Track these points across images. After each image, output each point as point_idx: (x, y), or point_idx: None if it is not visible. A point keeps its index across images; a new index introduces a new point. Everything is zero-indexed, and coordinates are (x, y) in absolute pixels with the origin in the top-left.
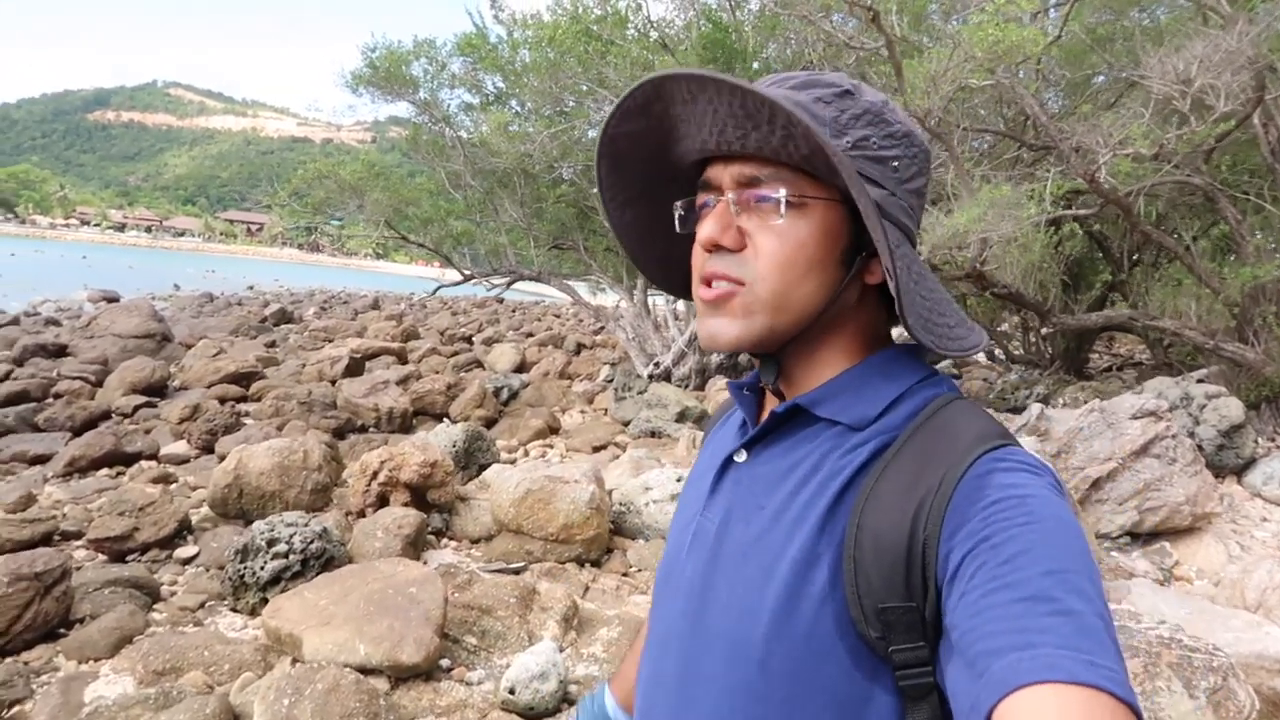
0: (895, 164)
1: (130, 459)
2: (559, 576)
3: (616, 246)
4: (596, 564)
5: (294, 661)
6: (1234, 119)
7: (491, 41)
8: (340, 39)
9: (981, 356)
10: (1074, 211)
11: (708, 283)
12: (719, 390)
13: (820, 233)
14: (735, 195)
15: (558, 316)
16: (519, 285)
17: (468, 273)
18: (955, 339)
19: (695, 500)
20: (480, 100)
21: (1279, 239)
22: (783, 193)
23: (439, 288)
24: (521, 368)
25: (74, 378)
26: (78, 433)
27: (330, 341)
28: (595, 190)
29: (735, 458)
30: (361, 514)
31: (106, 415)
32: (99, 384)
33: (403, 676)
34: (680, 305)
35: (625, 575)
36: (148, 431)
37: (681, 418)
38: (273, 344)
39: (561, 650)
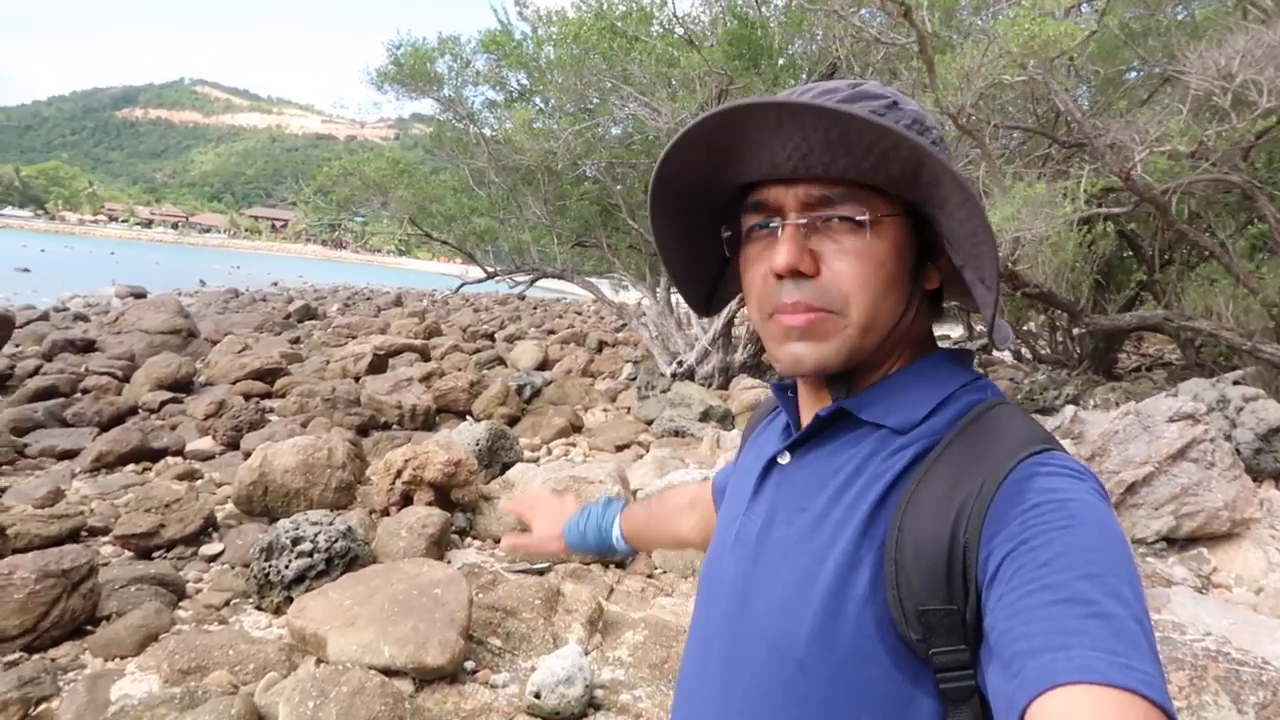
0: None
1: (156, 455)
2: (583, 578)
3: (640, 245)
4: (621, 565)
5: (318, 662)
6: (1275, 115)
7: (516, 38)
8: (365, 37)
9: (1007, 356)
10: (1107, 210)
11: (781, 310)
12: (743, 389)
13: (896, 249)
14: (804, 218)
15: (579, 314)
16: (541, 282)
17: (491, 270)
18: (1001, 328)
19: (738, 501)
20: (504, 97)
21: None
22: (866, 214)
23: (462, 285)
24: (544, 365)
25: (101, 373)
26: (105, 428)
27: (353, 338)
28: (618, 188)
29: (779, 459)
30: (385, 513)
31: (133, 411)
32: (126, 379)
33: (427, 679)
34: None
35: (650, 577)
36: (174, 427)
37: (705, 417)
38: (297, 340)
39: (587, 654)
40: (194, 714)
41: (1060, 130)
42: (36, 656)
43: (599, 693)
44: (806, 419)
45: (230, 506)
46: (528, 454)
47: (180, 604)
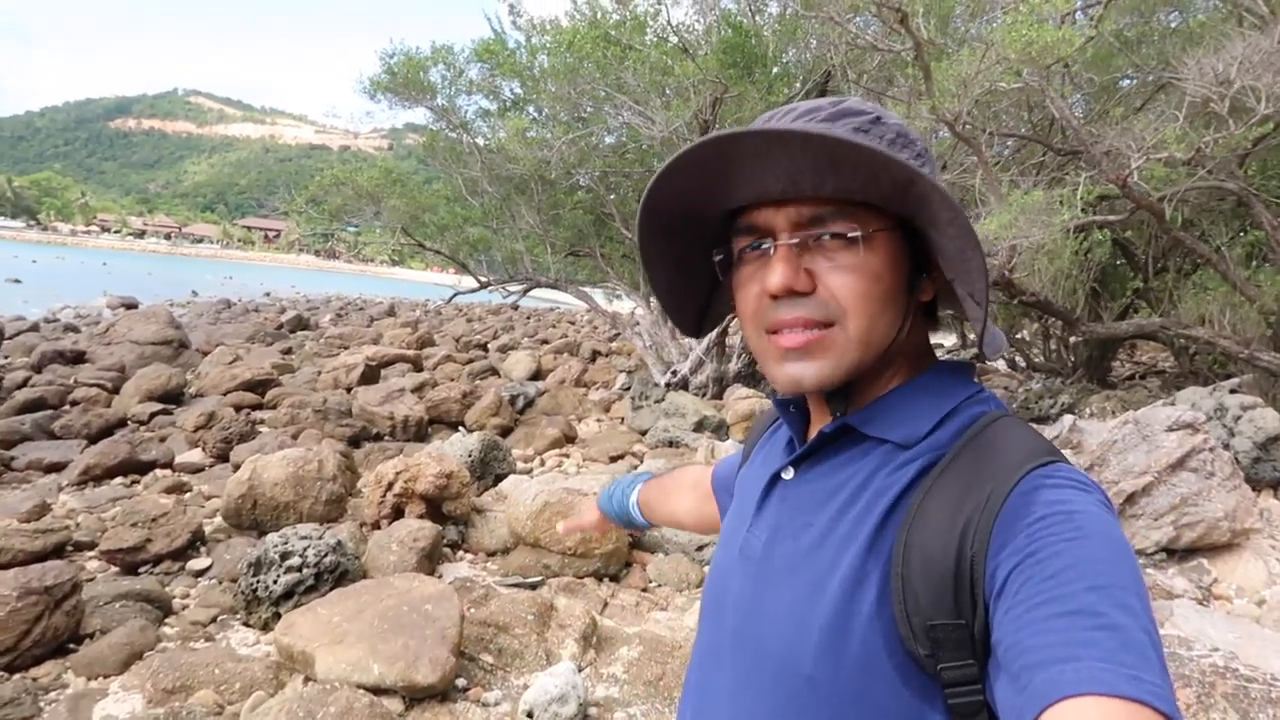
0: None
1: (145, 467)
2: (577, 592)
3: (633, 254)
4: (615, 579)
5: (306, 680)
6: (1273, 121)
7: (509, 47)
8: (358, 47)
9: (1001, 364)
10: (1104, 218)
11: (778, 330)
12: (737, 399)
13: (890, 263)
14: (796, 237)
15: (573, 323)
16: (534, 292)
17: (483, 280)
18: (993, 339)
19: (743, 516)
20: (498, 106)
21: None
22: (858, 231)
23: (455, 294)
24: (537, 375)
25: (91, 385)
26: (93, 440)
27: (346, 348)
28: (612, 197)
29: (782, 475)
30: (376, 525)
31: (122, 423)
32: (115, 391)
33: (417, 697)
34: None
35: (645, 591)
36: (163, 439)
37: (699, 427)
38: (289, 351)
39: (580, 670)
40: None
41: (1055, 138)
42: (17, 676)
43: (593, 710)
44: (810, 433)
45: (219, 520)
46: (521, 465)
47: (166, 620)
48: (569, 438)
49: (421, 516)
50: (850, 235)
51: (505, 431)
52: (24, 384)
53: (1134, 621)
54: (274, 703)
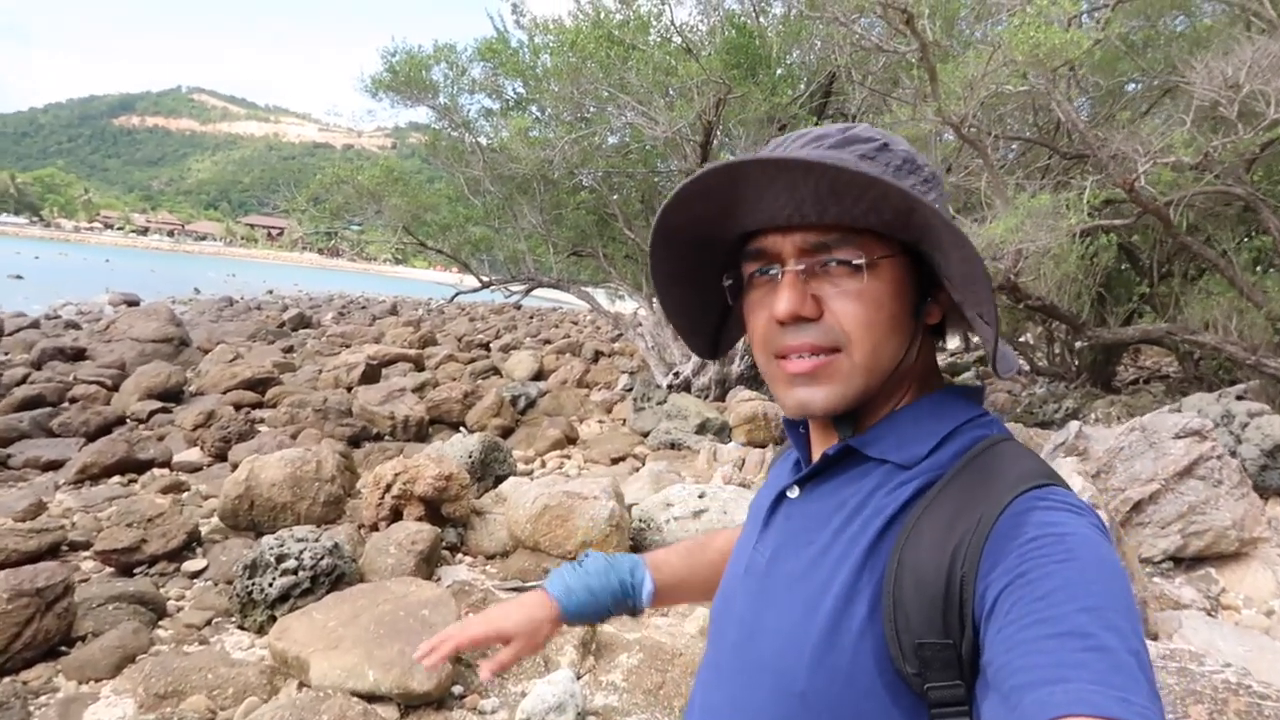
0: (936, 205)
1: (143, 466)
2: None
3: (636, 254)
4: None
5: (300, 686)
6: None
7: (512, 46)
8: (362, 45)
9: None
10: (1111, 222)
11: (786, 355)
12: (740, 401)
13: (895, 288)
14: (802, 263)
15: (575, 323)
16: (537, 291)
17: (485, 279)
18: (1005, 357)
19: (750, 534)
20: (500, 106)
21: None
22: (862, 258)
23: (456, 294)
24: (539, 375)
25: (90, 382)
26: (92, 438)
27: (348, 347)
28: (615, 197)
29: (788, 493)
30: (375, 528)
31: (121, 421)
32: (115, 388)
33: (413, 705)
34: None
35: None
36: (161, 438)
37: (702, 429)
38: (290, 349)
39: (579, 678)
40: None
41: (1061, 141)
42: (7, 679)
43: (590, 719)
44: (816, 454)
45: (215, 521)
46: (522, 466)
47: (160, 623)
48: (570, 439)
49: (420, 519)
50: (855, 262)
51: (506, 432)
52: (23, 381)
53: (1123, 644)
54: (266, 709)
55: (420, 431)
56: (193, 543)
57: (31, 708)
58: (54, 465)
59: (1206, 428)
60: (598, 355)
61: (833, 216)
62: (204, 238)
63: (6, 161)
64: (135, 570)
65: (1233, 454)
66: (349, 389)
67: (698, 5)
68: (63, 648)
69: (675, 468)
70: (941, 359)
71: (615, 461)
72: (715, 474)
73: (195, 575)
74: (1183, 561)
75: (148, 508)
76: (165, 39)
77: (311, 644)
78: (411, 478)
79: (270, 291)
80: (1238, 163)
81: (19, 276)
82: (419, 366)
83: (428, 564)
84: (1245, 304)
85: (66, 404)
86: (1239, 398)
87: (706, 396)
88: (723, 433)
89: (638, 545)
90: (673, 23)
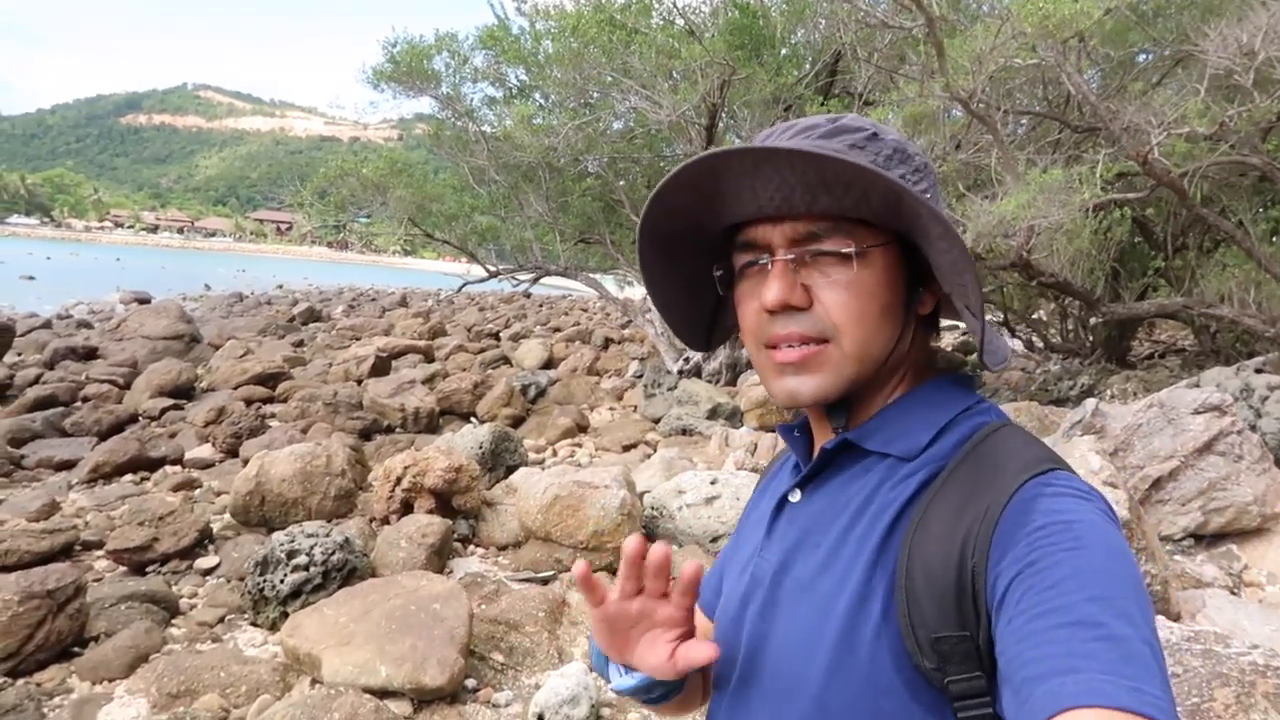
0: (927, 196)
1: (155, 464)
2: None
3: None
4: None
5: (313, 682)
6: None
7: (514, 33)
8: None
9: (1018, 345)
10: (1124, 195)
11: (776, 345)
12: (751, 385)
13: (886, 278)
14: (792, 253)
15: (585, 311)
16: (546, 279)
17: (492, 269)
18: (997, 350)
19: (752, 542)
20: (503, 94)
21: None
22: (852, 247)
23: (464, 285)
24: (549, 364)
25: (102, 381)
26: (104, 437)
27: (357, 340)
28: (621, 183)
29: (790, 498)
30: (386, 521)
31: (133, 419)
32: (127, 387)
33: (426, 699)
34: None
35: None
36: (173, 435)
37: (713, 414)
38: (300, 343)
39: (592, 670)
40: None
41: (1072, 114)
42: (21, 681)
43: (605, 712)
44: (814, 453)
45: (227, 517)
46: (533, 456)
47: (173, 621)
48: (581, 427)
49: (431, 511)
50: (844, 251)
51: (517, 422)
52: (36, 381)
53: (1135, 632)
54: (278, 708)
55: (431, 423)
56: (205, 540)
57: (46, 710)
58: (67, 465)
59: (1226, 402)
60: (607, 342)
61: (823, 206)
62: (213, 234)
63: (16, 163)
64: (148, 569)
65: (1253, 428)
66: (359, 382)
67: None
68: (76, 648)
69: (687, 454)
70: (952, 339)
71: (627, 449)
72: (727, 459)
73: (208, 573)
74: (1204, 539)
75: (159, 506)
76: (170, 36)
77: (323, 641)
78: (421, 470)
79: (280, 286)
80: (1254, 132)
81: (31, 277)
82: (429, 358)
83: (439, 556)
84: (1263, 275)
85: (79, 403)
86: (1258, 371)
87: (717, 381)
88: (734, 418)
89: (651, 533)
90: (675, 4)
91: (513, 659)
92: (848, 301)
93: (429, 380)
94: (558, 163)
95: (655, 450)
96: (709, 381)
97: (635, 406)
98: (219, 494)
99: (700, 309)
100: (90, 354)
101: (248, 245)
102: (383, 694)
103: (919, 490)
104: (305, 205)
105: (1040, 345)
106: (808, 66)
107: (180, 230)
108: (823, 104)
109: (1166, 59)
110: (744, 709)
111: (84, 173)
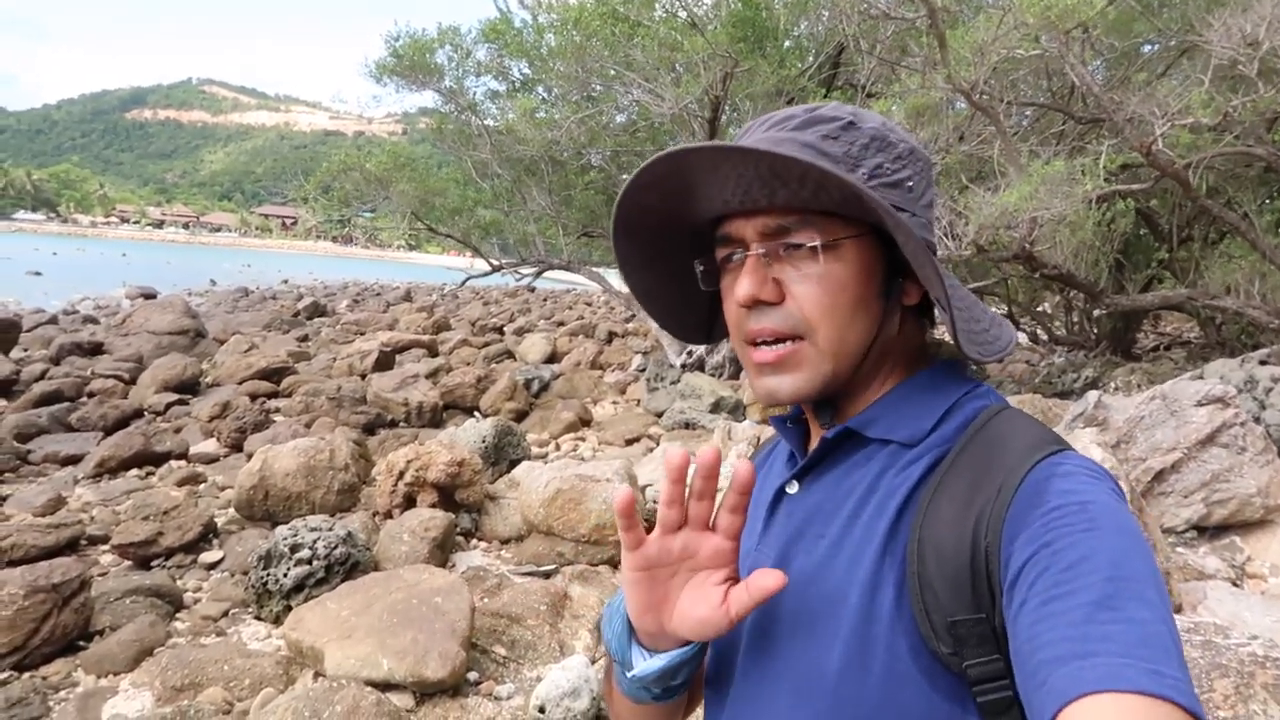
0: (909, 184)
1: (160, 459)
2: (591, 580)
3: None
4: None
5: (316, 675)
6: None
7: (516, 26)
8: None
9: (1023, 337)
10: (1128, 186)
11: (754, 342)
12: None
13: (858, 270)
14: (764, 247)
15: (588, 305)
16: (550, 273)
17: (495, 263)
18: (991, 342)
19: (748, 537)
20: (506, 87)
21: None
22: (818, 240)
23: (467, 279)
24: (553, 358)
25: (107, 376)
26: (109, 432)
27: (362, 334)
28: (624, 176)
29: (787, 489)
30: (389, 515)
31: (139, 414)
32: (132, 382)
33: (428, 692)
34: None
35: None
36: (178, 430)
37: (716, 408)
38: (305, 338)
39: (594, 662)
40: None
41: (1075, 105)
42: (26, 675)
43: (606, 705)
44: (812, 444)
45: (231, 512)
46: (536, 450)
47: (177, 615)
48: (584, 421)
49: (434, 505)
50: (810, 245)
51: (520, 416)
52: (42, 376)
53: (1152, 614)
54: (282, 700)
55: (434, 417)
56: (209, 534)
57: (51, 703)
58: (73, 460)
59: (1229, 394)
60: (611, 336)
61: (783, 200)
62: (219, 229)
63: (22, 159)
64: (152, 563)
65: (1256, 420)
66: (363, 376)
67: None
68: (81, 642)
69: (690, 447)
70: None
71: (629, 443)
72: (730, 453)
73: (212, 566)
74: (1206, 530)
75: (164, 500)
76: (175, 31)
77: (325, 634)
78: (424, 464)
79: (285, 281)
80: (1258, 122)
81: (38, 273)
82: (433, 352)
83: (442, 550)
84: (1268, 267)
85: (84, 398)
86: (1262, 362)
87: (720, 375)
88: (737, 411)
89: (652, 527)
90: None
91: (514, 652)
92: (819, 295)
93: (433, 375)
94: (560, 156)
95: (658, 444)
96: (712, 375)
97: (638, 400)
98: (223, 488)
99: (691, 303)
100: (96, 349)
101: (253, 240)
102: (385, 687)
103: (925, 475)
104: (309, 200)
105: (1045, 338)
106: (811, 59)
107: (185, 225)
108: (826, 96)
109: (1171, 49)
110: (749, 709)
111: (89, 168)
